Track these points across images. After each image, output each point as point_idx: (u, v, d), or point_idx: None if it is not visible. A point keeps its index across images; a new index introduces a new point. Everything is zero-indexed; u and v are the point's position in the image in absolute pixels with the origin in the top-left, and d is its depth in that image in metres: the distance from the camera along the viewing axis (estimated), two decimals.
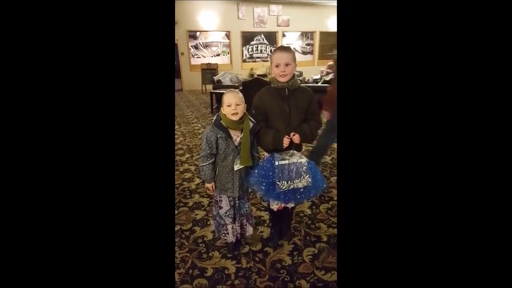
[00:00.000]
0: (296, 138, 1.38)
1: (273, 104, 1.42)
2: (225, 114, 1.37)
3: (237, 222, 1.57)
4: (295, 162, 1.37)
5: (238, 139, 1.40)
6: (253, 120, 1.43)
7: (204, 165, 1.43)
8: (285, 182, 1.36)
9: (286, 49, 1.39)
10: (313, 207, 2.12)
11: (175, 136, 4.05)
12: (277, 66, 1.38)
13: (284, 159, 1.37)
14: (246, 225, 1.63)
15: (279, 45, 1.46)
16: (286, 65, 1.36)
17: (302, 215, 2.02)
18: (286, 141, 1.38)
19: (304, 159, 1.40)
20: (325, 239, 1.77)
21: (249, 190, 1.56)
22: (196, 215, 2.07)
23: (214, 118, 1.42)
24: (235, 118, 1.35)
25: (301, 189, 1.39)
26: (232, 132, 1.40)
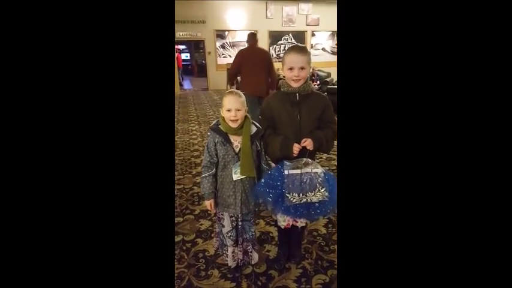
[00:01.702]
0: (309, 144, 1.19)
1: (281, 109, 1.25)
2: (224, 118, 1.22)
3: (239, 246, 1.40)
4: (309, 173, 1.18)
5: (239, 145, 1.24)
6: (258, 125, 1.26)
7: (203, 177, 1.28)
8: (296, 195, 1.17)
9: (302, 50, 1.20)
10: (329, 225, 1.89)
11: (194, 137, 4.00)
12: (290, 69, 1.20)
13: (295, 168, 1.18)
14: (251, 252, 1.45)
15: (293, 45, 1.26)
16: (301, 68, 1.18)
17: (316, 234, 1.81)
18: (296, 149, 1.20)
19: (320, 169, 1.21)
20: None
21: (256, 210, 1.38)
22: (201, 224, 1.94)
23: (213, 122, 1.27)
24: (235, 125, 1.20)
25: (316, 204, 1.20)
26: (233, 138, 1.24)
